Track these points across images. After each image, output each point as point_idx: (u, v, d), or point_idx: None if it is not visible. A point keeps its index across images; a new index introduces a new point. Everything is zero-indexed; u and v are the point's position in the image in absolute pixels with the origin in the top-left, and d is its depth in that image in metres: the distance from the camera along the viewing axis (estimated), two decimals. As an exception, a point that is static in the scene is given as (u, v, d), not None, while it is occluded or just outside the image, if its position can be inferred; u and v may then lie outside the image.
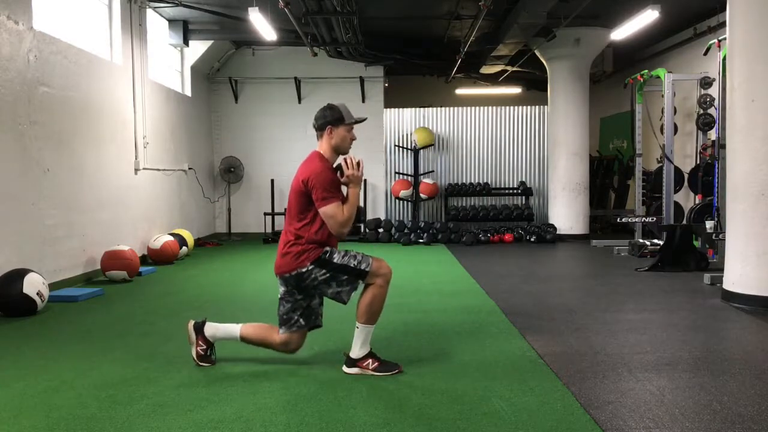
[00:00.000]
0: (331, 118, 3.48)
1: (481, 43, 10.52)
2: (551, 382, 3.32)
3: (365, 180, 12.05)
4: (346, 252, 3.44)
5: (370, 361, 3.45)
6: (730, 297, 5.39)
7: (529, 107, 12.95)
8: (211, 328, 3.61)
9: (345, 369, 3.48)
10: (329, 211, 3.32)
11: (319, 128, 3.50)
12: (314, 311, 3.59)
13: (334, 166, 3.52)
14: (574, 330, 4.49)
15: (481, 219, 11.71)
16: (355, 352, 3.45)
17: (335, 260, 3.39)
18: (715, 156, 7.30)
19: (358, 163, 3.48)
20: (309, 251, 3.38)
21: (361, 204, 11.96)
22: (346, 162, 3.45)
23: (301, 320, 3.51)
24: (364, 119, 3.83)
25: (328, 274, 3.40)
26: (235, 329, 3.59)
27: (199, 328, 3.61)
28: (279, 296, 3.52)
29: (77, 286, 6.47)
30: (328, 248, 3.42)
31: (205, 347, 3.60)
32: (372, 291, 3.41)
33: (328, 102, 3.69)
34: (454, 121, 12.90)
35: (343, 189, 3.49)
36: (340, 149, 3.52)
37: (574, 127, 10.95)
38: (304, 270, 3.38)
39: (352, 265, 3.38)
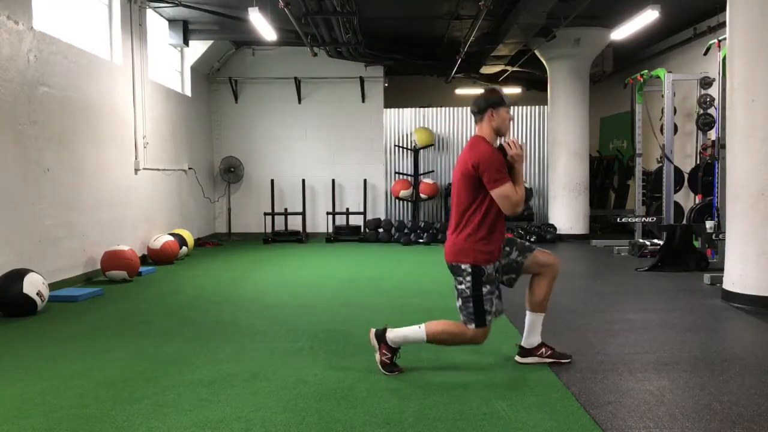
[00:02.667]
0: (493, 101, 3.45)
1: (481, 43, 10.52)
2: (551, 382, 3.32)
3: (365, 180, 12.06)
4: (496, 292, 3.39)
5: (389, 354, 3.47)
6: (730, 297, 5.39)
7: (529, 107, 12.95)
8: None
9: (371, 334, 3.54)
10: (504, 191, 3.27)
11: (480, 111, 3.47)
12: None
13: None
14: (574, 330, 4.49)
15: (480, 219, 11.68)
16: (392, 337, 3.46)
17: (483, 290, 3.34)
18: (715, 156, 7.30)
19: (518, 144, 3.45)
20: (475, 252, 3.33)
21: (361, 204, 11.98)
22: (508, 144, 3.42)
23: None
24: (515, 101, 3.90)
25: (466, 288, 3.36)
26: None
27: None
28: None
29: (77, 286, 6.46)
30: (489, 269, 3.35)
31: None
32: (458, 331, 3.41)
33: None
34: (454, 121, 12.90)
35: None
36: (500, 131, 3.47)
37: (574, 127, 10.95)
38: (462, 266, 3.36)
39: (482, 308, 3.34)
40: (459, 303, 3.41)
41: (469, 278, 3.34)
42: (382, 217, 11.96)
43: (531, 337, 3.63)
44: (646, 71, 9.13)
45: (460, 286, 3.39)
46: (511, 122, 3.58)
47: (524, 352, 3.64)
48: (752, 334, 4.47)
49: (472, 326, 3.37)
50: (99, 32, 7.72)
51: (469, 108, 12.50)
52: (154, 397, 3.13)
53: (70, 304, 5.64)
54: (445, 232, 11.42)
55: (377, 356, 3.48)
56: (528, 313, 3.64)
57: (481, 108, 3.46)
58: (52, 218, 6.24)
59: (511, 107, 3.55)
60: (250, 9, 7.59)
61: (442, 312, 5.08)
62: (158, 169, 9.10)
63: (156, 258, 8.13)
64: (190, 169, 10.47)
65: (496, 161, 3.31)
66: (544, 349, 3.62)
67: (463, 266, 3.35)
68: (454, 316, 5.02)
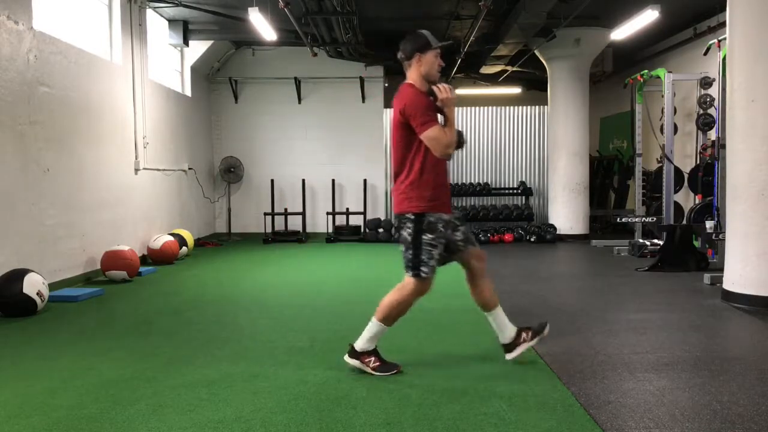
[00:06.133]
0: (419, 45, 3.41)
1: (481, 43, 10.51)
2: (551, 382, 3.32)
3: (365, 180, 12.06)
4: (437, 239, 3.34)
5: (372, 359, 3.44)
6: (730, 297, 5.39)
7: (529, 107, 12.96)
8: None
9: (346, 358, 3.47)
10: (431, 133, 3.24)
11: (408, 57, 3.42)
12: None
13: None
14: (574, 330, 4.49)
15: (481, 219, 11.71)
16: (360, 345, 3.44)
17: (422, 238, 3.31)
18: (715, 156, 7.30)
19: (450, 88, 3.41)
20: (419, 200, 3.31)
21: (361, 204, 11.98)
22: (438, 87, 3.38)
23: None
24: (450, 42, 3.87)
25: (408, 236, 3.34)
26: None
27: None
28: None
29: (77, 286, 6.47)
30: (434, 216, 3.32)
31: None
32: (401, 293, 3.40)
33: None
34: (454, 121, 12.87)
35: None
36: (429, 76, 3.43)
37: (574, 127, 10.95)
38: (406, 214, 3.35)
39: (419, 257, 3.32)
40: (402, 250, 3.41)
41: (410, 225, 3.34)
42: (382, 217, 11.96)
43: (505, 332, 3.61)
44: (646, 71, 9.13)
45: (403, 233, 3.38)
46: (441, 67, 3.53)
47: (509, 347, 3.62)
48: (752, 334, 4.46)
49: (410, 275, 3.36)
50: (99, 32, 7.72)
51: (469, 108, 12.47)
52: (154, 397, 3.13)
53: (70, 304, 5.64)
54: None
55: (367, 369, 3.44)
56: (486, 315, 3.61)
57: (408, 53, 3.41)
58: (52, 218, 6.24)
59: (438, 50, 3.44)
60: (250, 9, 7.59)
61: (441, 312, 5.09)
62: (158, 169, 9.10)
63: (156, 258, 8.13)
64: (190, 169, 10.47)
65: (421, 104, 3.28)
66: (524, 334, 3.60)
67: (407, 214, 3.35)
68: (454, 316, 5.03)
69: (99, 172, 7.26)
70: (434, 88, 3.40)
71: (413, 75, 3.43)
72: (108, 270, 6.74)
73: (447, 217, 3.41)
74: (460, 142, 3.49)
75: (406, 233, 3.36)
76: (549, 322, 3.73)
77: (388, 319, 3.43)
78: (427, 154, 3.32)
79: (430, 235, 3.33)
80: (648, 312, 5.14)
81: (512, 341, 3.61)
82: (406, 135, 3.33)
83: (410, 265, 3.36)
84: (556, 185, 11.14)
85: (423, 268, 3.34)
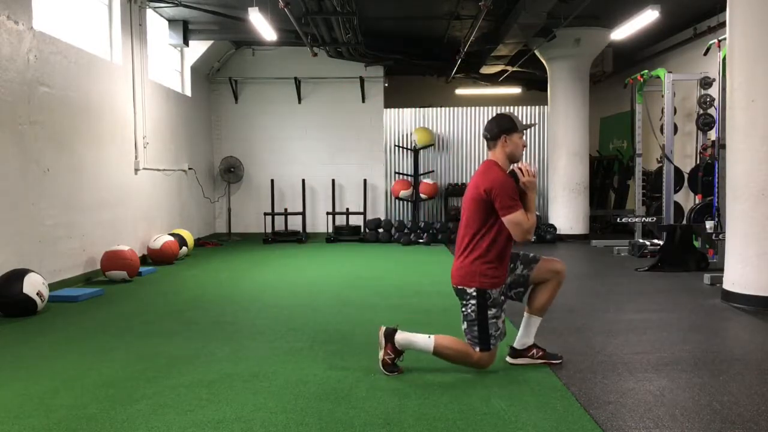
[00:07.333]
0: (506, 127, 3.45)
1: (481, 43, 10.52)
2: (551, 382, 3.32)
3: (365, 180, 12.06)
4: (501, 315, 3.42)
5: (393, 355, 3.46)
6: (730, 297, 5.39)
7: (529, 107, 12.95)
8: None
9: (381, 331, 3.50)
10: (516, 218, 3.29)
11: (493, 138, 3.48)
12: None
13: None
14: (574, 330, 4.49)
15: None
16: (399, 340, 3.45)
17: (488, 313, 3.36)
18: (715, 156, 7.30)
19: (531, 171, 3.45)
20: (481, 276, 3.35)
21: (361, 204, 11.98)
22: (521, 169, 3.42)
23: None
24: (535, 124, 3.92)
25: (471, 312, 3.38)
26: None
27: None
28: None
29: (77, 286, 6.47)
30: (494, 293, 3.37)
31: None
32: (468, 356, 3.41)
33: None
34: (454, 121, 12.90)
35: None
36: (514, 157, 3.48)
37: (574, 128, 10.95)
38: (467, 289, 3.38)
39: (487, 332, 3.36)
40: (464, 326, 3.43)
41: (473, 302, 3.36)
42: (382, 217, 11.96)
43: (524, 338, 3.62)
44: (646, 71, 9.13)
45: (465, 310, 3.41)
46: (525, 148, 3.57)
47: (515, 353, 3.63)
48: (752, 334, 4.46)
49: (477, 349, 3.39)
50: (99, 32, 7.72)
51: (469, 108, 12.50)
52: (154, 397, 3.13)
53: (70, 304, 5.64)
54: (445, 232, 11.42)
55: (381, 354, 3.47)
56: (526, 314, 3.63)
57: (494, 134, 3.47)
58: (52, 218, 6.24)
59: (524, 132, 3.52)
60: (250, 9, 7.58)
61: (441, 312, 5.09)
62: (158, 169, 9.10)
63: (156, 258, 8.13)
64: (190, 169, 10.47)
65: (508, 188, 3.32)
66: (535, 351, 3.62)
67: (468, 290, 3.37)
68: (453, 316, 5.02)
69: (99, 172, 7.26)
70: (516, 169, 3.44)
71: (498, 154, 3.47)
72: (108, 270, 6.74)
73: (503, 287, 3.45)
74: (538, 225, 3.52)
75: (470, 310, 3.38)
76: (564, 359, 3.67)
77: (437, 352, 3.44)
78: (499, 234, 3.35)
79: (494, 310, 3.37)
80: (648, 312, 5.14)
81: (523, 349, 3.62)
82: (484, 212, 3.36)
83: (477, 341, 3.39)
84: (556, 185, 11.14)
85: (492, 341, 3.39)
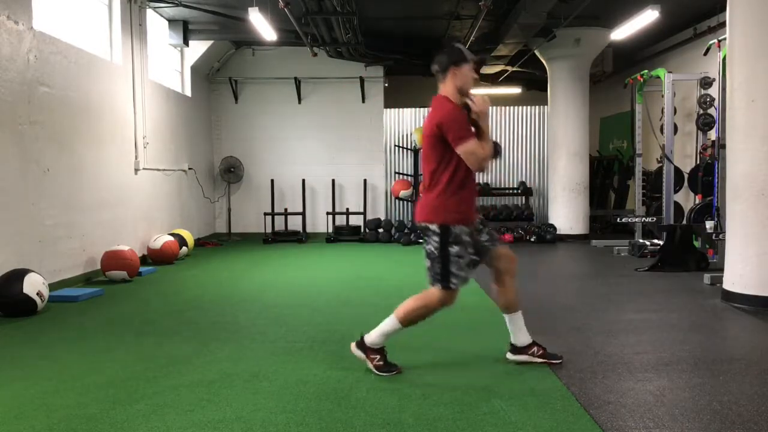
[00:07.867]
0: (454, 58, 3.40)
1: (481, 43, 10.52)
2: (551, 382, 3.32)
3: (365, 180, 12.06)
4: (465, 257, 3.35)
5: (378, 356, 3.46)
6: (730, 297, 5.39)
7: (529, 107, 12.96)
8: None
9: (353, 347, 3.52)
10: (469, 148, 3.24)
11: (442, 70, 3.41)
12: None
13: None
14: (574, 330, 4.49)
15: (480, 219, 11.70)
16: (371, 338, 3.47)
17: (450, 250, 3.30)
18: (715, 156, 7.30)
19: (485, 99, 3.41)
20: (445, 211, 3.32)
21: (361, 204, 11.98)
22: (472, 100, 3.38)
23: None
24: (485, 57, 3.87)
25: (434, 248, 3.33)
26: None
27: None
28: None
29: (77, 286, 6.46)
30: (459, 229, 3.31)
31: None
32: (427, 300, 3.40)
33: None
34: (454, 121, 12.87)
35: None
36: (464, 89, 3.42)
37: (574, 128, 10.95)
38: (430, 225, 3.34)
39: (448, 268, 3.31)
40: (427, 264, 3.39)
41: (436, 238, 3.32)
42: (382, 217, 11.96)
43: (519, 336, 3.62)
44: (646, 71, 9.13)
45: (428, 247, 3.37)
46: (475, 80, 3.53)
47: (516, 349, 3.63)
48: (752, 334, 4.47)
49: (438, 287, 3.35)
50: (99, 32, 7.71)
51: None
52: (154, 397, 3.13)
53: (70, 304, 5.64)
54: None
55: (369, 365, 3.46)
56: (505, 316, 3.61)
57: (443, 66, 3.41)
58: (52, 218, 6.24)
59: (473, 63, 3.45)
60: (250, 9, 7.59)
61: (441, 312, 5.08)
62: (158, 169, 9.10)
63: (156, 258, 8.13)
64: (190, 169, 10.47)
65: (459, 119, 3.29)
66: (535, 348, 3.61)
67: (431, 226, 3.34)
68: (453, 314, 5.02)
69: (99, 172, 7.26)
70: (468, 100, 3.41)
71: (448, 88, 3.42)
72: (108, 270, 6.74)
73: (470, 229, 3.40)
74: (495, 152, 3.50)
75: (432, 246, 3.34)
76: (564, 358, 3.66)
77: (405, 321, 3.43)
78: (458, 168, 3.32)
79: (457, 247, 3.32)
80: (648, 312, 5.14)
81: (523, 347, 3.62)
82: (440, 148, 3.33)
83: (439, 278, 3.34)
84: (556, 185, 11.14)
85: (453, 280, 3.33)
